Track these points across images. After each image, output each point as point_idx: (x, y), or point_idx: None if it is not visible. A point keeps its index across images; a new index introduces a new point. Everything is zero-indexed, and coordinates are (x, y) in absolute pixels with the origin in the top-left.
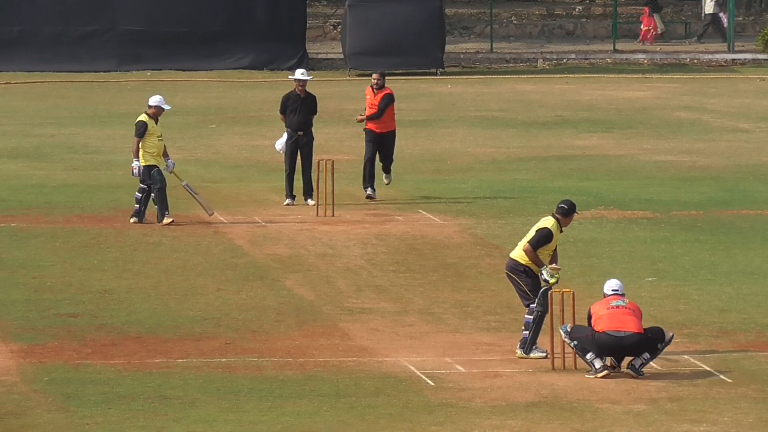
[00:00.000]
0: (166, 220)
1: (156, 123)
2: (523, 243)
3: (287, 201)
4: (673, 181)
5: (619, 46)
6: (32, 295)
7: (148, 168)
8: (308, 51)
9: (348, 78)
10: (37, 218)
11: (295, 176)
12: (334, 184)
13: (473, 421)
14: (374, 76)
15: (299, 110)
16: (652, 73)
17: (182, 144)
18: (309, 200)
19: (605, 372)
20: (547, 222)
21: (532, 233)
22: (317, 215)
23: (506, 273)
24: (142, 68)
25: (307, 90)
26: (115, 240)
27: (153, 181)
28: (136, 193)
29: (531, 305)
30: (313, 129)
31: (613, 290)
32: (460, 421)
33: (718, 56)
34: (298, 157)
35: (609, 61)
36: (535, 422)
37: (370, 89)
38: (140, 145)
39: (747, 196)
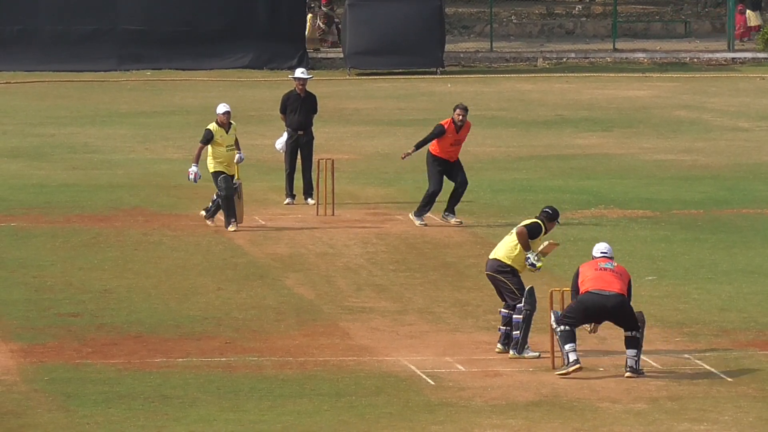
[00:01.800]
0: (231, 228)
1: (227, 132)
2: (506, 242)
3: (287, 200)
4: (673, 180)
5: (619, 45)
6: (32, 294)
7: (215, 174)
8: (308, 50)
9: (348, 77)
10: (37, 218)
11: (295, 175)
12: (334, 183)
13: (473, 421)
14: (458, 112)
15: (299, 110)
16: (652, 72)
17: (182, 143)
18: (309, 199)
19: (577, 366)
20: (533, 223)
21: (516, 229)
22: (317, 214)
23: (488, 274)
24: (143, 68)
25: (307, 89)
26: (115, 239)
27: (218, 188)
28: (214, 195)
29: (519, 305)
30: (314, 128)
31: (602, 253)
32: (460, 421)
33: (718, 55)
34: (298, 156)
35: (609, 60)
36: (535, 421)
37: (452, 125)
38: (208, 152)
39: (747, 195)
